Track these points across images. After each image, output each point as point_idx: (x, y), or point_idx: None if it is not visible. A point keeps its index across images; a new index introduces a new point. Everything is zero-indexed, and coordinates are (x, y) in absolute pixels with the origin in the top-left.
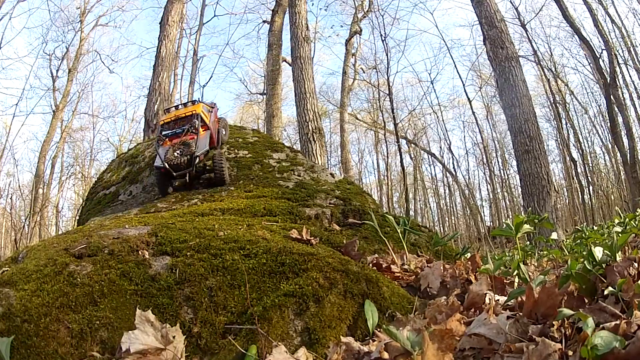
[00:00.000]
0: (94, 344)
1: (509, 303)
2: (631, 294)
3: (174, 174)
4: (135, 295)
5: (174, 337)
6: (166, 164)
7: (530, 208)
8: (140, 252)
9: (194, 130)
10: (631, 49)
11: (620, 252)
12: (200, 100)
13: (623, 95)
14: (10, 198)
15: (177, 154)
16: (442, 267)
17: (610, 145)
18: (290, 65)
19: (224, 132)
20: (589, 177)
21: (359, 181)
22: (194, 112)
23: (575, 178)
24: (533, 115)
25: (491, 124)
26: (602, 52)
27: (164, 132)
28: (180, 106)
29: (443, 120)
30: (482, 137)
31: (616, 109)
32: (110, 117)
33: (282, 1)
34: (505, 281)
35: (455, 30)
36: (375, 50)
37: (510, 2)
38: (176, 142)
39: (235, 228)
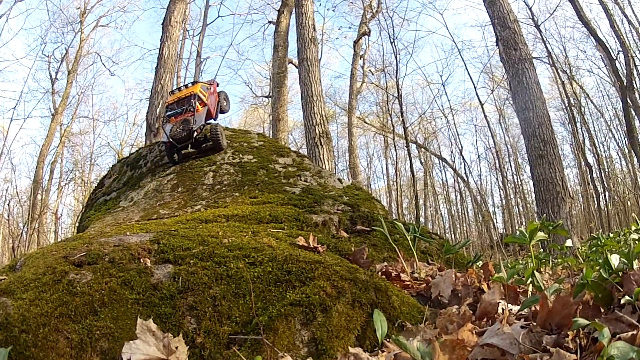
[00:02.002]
0: (94, 355)
1: (523, 312)
2: None
3: (178, 145)
4: (137, 305)
5: (176, 347)
6: (171, 139)
7: (544, 214)
8: (141, 260)
9: (191, 109)
10: None
11: (637, 260)
12: (198, 81)
13: None
14: (8, 204)
15: (179, 129)
16: (453, 276)
17: (626, 150)
18: (296, 67)
19: (225, 103)
20: (605, 183)
21: (368, 187)
22: (192, 93)
23: (590, 183)
24: (547, 119)
25: (504, 128)
26: (618, 54)
27: (167, 113)
28: (182, 87)
29: (454, 124)
30: (494, 141)
31: (633, 112)
32: (111, 121)
33: (288, 1)
34: (518, 290)
35: (466, 32)
36: (384, 52)
37: (524, 2)
38: (178, 119)
39: (240, 235)
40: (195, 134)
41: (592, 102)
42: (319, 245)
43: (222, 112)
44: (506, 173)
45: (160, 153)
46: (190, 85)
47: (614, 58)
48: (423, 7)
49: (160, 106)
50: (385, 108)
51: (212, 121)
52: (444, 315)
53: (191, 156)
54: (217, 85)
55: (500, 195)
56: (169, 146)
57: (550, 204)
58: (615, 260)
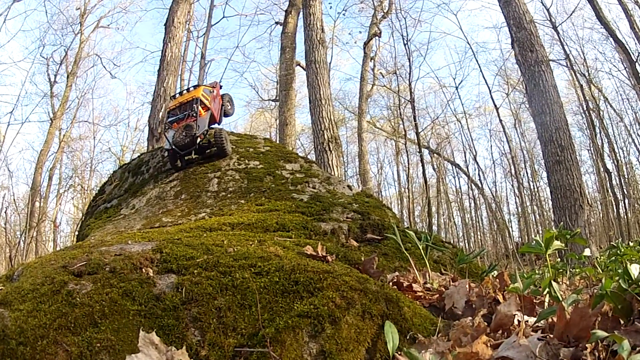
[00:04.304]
0: None
1: (539, 324)
2: None
3: (181, 152)
4: (139, 316)
5: None
6: (173, 146)
7: (561, 223)
8: (143, 270)
9: (193, 114)
10: None
11: None
12: (200, 84)
13: None
14: (5, 212)
15: (182, 136)
16: (467, 286)
17: None
18: (304, 69)
19: (229, 106)
20: (625, 190)
21: (378, 194)
22: (194, 97)
23: (609, 190)
24: (564, 124)
25: (520, 133)
26: (638, 56)
27: (170, 119)
28: (184, 91)
29: (468, 129)
30: (510, 146)
31: None
32: (111, 126)
33: (295, 1)
34: (535, 301)
35: (481, 33)
36: (396, 54)
37: (542, 2)
38: (181, 125)
39: (245, 244)
40: (199, 139)
41: (611, 106)
42: (328, 254)
43: (226, 115)
44: (522, 179)
45: (163, 159)
46: (192, 88)
47: (634, 60)
48: (437, 7)
49: (162, 110)
50: (397, 112)
51: (215, 125)
52: (457, 327)
53: (195, 162)
54: (221, 87)
55: (515, 202)
56: (171, 153)
57: (567, 212)
58: (635, 270)
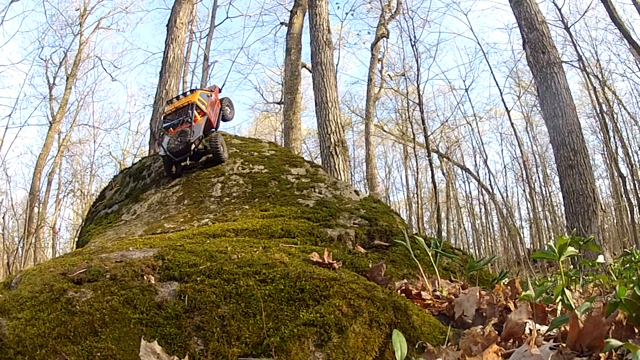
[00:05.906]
0: None
1: (552, 333)
2: None
3: (176, 159)
4: (140, 325)
5: None
6: (168, 152)
7: (574, 228)
8: (145, 277)
9: (188, 120)
10: None
11: None
12: (198, 88)
13: None
14: (3, 217)
15: (177, 142)
16: (477, 294)
17: None
18: (310, 71)
19: (228, 111)
20: (639, 195)
21: (386, 199)
22: (189, 102)
23: (624, 196)
24: (577, 127)
25: (531, 136)
26: None
27: (165, 124)
28: (180, 96)
29: (479, 132)
30: (521, 150)
31: None
32: (112, 129)
33: (301, 1)
34: (547, 309)
35: (492, 34)
36: (404, 56)
37: (554, 2)
38: (176, 131)
39: (250, 251)
40: (193, 145)
41: (625, 108)
42: (334, 261)
43: (225, 119)
44: (534, 184)
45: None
46: (188, 93)
47: None
48: (447, 7)
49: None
50: (405, 115)
51: (213, 131)
52: (467, 336)
53: (191, 168)
54: (220, 91)
55: (527, 208)
56: (167, 159)
57: (580, 218)
58: None
